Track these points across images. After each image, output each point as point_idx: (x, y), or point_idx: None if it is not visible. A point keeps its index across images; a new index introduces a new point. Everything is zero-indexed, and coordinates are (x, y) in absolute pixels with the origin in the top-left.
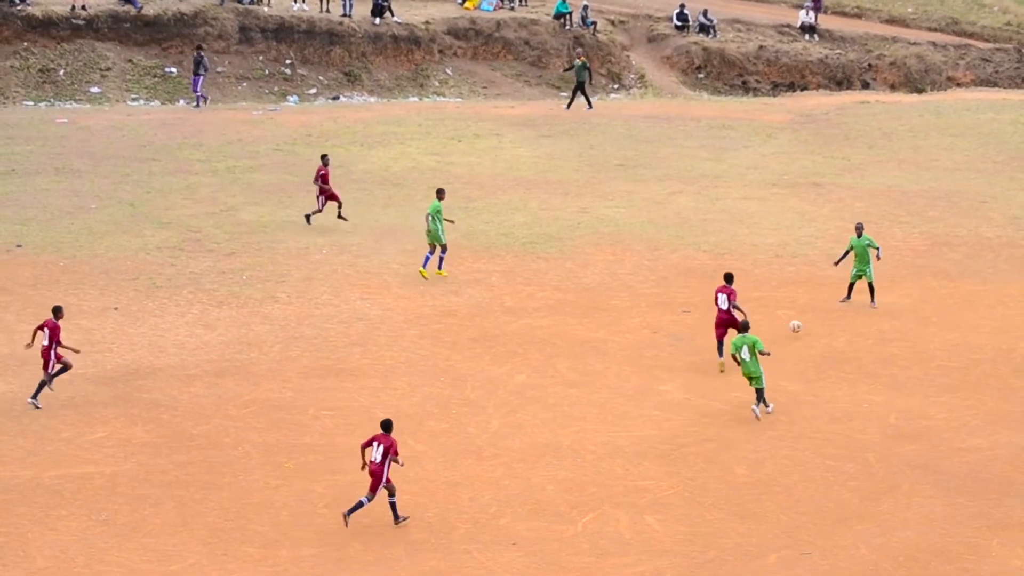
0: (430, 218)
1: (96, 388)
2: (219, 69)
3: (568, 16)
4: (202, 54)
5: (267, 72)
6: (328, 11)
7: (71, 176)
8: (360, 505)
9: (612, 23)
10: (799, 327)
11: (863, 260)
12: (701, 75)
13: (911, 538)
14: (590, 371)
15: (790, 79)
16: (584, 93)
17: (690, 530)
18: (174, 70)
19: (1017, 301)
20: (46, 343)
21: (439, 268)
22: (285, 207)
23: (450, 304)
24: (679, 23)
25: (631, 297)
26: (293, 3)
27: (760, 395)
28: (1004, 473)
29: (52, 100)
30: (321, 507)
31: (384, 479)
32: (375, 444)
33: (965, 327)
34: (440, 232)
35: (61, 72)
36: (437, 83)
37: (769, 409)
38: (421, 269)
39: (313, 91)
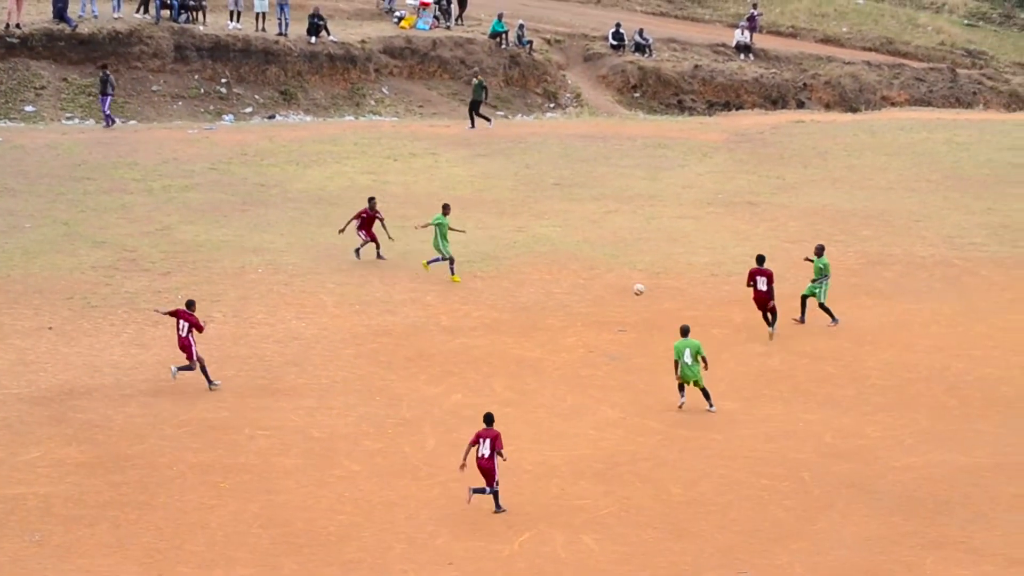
0: (436, 230)
1: (30, 408)
2: (154, 88)
3: (504, 35)
4: (108, 73)
5: (202, 91)
6: (264, 30)
7: (5, 195)
8: (485, 492)
9: (548, 42)
10: (642, 290)
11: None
12: (637, 94)
13: (846, 557)
14: (526, 390)
15: (725, 98)
16: (479, 113)
17: (626, 549)
18: None
19: (951, 320)
20: (184, 333)
21: (451, 273)
22: (221, 226)
23: (386, 323)
24: (615, 42)
25: (567, 316)
26: (228, 22)
27: (706, 395)
28: (939, 492)
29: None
30: (256, 527)
31: (494, 472)
32: (481, 440)
33: (899, 346)
34: (441, 245)
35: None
36: (373, 102)
37: (711, 408)
38: (453, 276)
39: (249, 110)
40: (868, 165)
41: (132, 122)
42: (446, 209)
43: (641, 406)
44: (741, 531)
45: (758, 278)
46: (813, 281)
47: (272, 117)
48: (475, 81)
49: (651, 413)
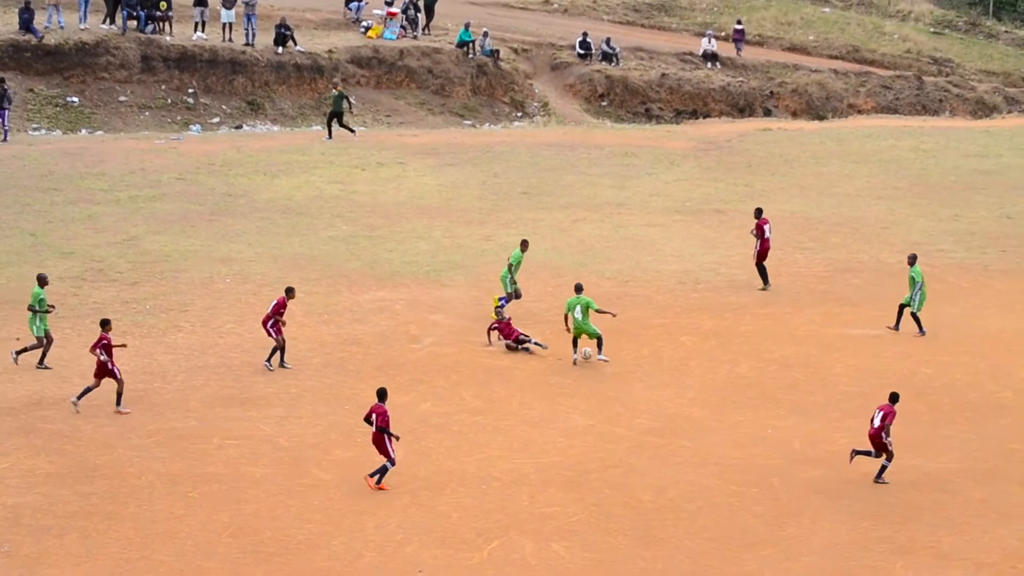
0: (510, 268)
1: None
2: (121, 98)
3: (471, 45)
4: (6, 87)
5: (169, 101)
6: (231, 40)
7: None
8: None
9: (515, 51)
10: (589, 355)
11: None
12: (604, 103)
13: (816, 562)
14: (495, 398)
15: (693, 106)
16: (341, 123)
17: (596, 556)
18: (76, 99)
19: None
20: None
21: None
22: (188, 236)
23: (355, 332)
24: (582, 51)
25: (535, 324)
26: (195, 32)
27: (600, 343)
28: (908, 497)
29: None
30: (226, 536)
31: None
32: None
33: (867, 353)
34: (507, 282)
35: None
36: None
37: (602, 357)
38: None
39: (216, 120)
40: (835, 172)
41: (99, 132)
42: (524, 245)
43: (610, 413)
44: (711, 537)
45: (764, 226)
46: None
47: (239, 127)
48: (334, 92)
49: (620, 420)
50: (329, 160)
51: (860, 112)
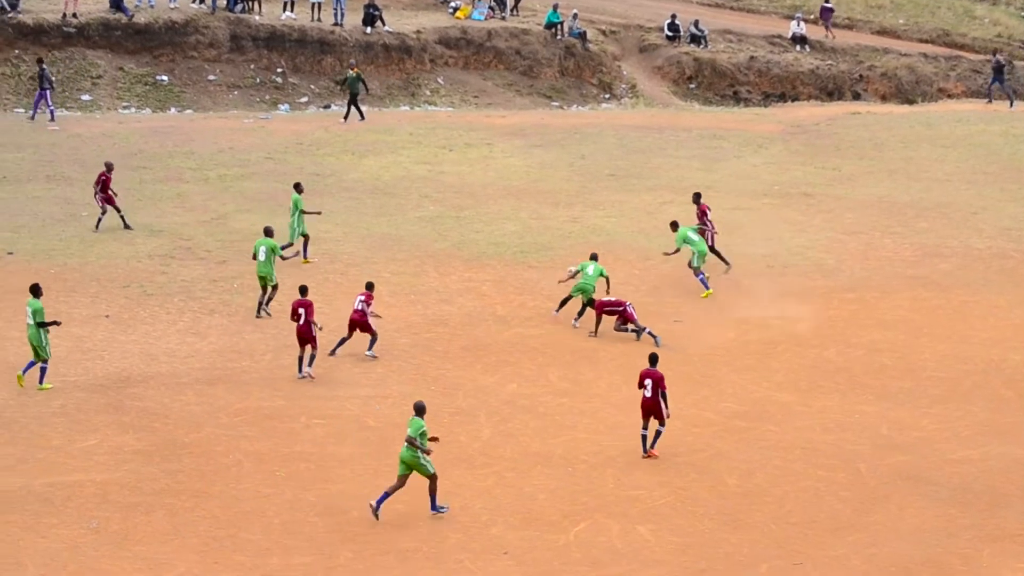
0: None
1: (87, 396)
2: (210, 77)
3: (559, 26)
4: (44, 67)
5: (258, 80)
6: (319, 20)
7: (62, 183)
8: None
9: (603, 33)
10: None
11: None
12: (692, 85)
13: (903, 549)
14: (581, 380)
15: (781, 89)
16: (356, 105)
17: (682, 540)
18: (165, 78)
19: (1007, 312)
20: (301, 322)
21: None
22: (276, 215)
23: (441, 313)
24: (670, 33)
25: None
26: (283, 12)
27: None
28: (996, 484)
29: (44, 107)
30: (312, 515)
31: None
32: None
33: (956, 338)
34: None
35: (52, 79)
36: (428, 92)
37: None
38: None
39: (304, 99)
40: (925, 157)
41: (188, 111)
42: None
43: (697, 397)
44: (797, 522)
45: (707, 212)
46: None
47: (328, 107)
48: (351, 74)
49: (707, 404)
50: (417, 140)
51: (950, 96)
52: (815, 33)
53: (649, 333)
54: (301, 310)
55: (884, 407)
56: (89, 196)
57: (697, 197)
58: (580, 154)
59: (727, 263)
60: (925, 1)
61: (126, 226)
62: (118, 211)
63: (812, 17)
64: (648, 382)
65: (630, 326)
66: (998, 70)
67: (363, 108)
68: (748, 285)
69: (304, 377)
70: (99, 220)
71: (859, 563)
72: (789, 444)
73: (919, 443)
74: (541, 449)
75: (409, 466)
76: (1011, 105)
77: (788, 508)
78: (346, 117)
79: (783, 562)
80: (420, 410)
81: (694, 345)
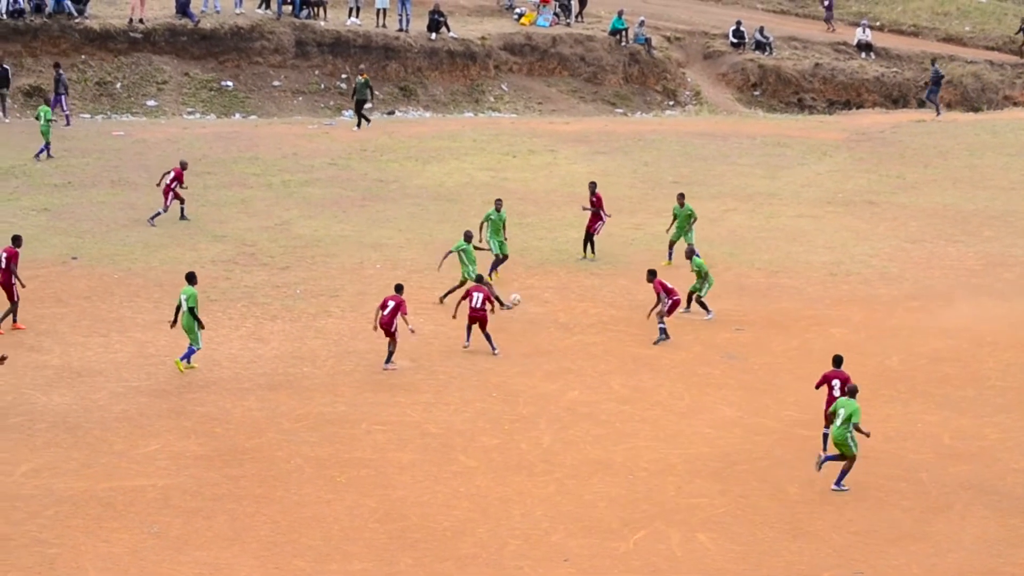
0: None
1: (150, 401)
2: (275, 83)
3: (624, 32)
4: (61, 72)
5: (322, 86)
6: (384, 26)
7: (127, 189)
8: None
9: (668, 40)
10: (517, 300)
11: None
12: (756, 92)
13: (965, 559)
14: (643, 388)
15: (846, 97)
16: (360, 112)
17: (742, 548)
18: (230, 84)
19: None
20: (386, 313)
21: None
22: (339, 221)
23: (502, 319)
24: (735, 40)
25: (684, 315)
26: (348, 18)
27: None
28: None
29: (109, 113)
30: (372, 522)
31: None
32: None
33: (1020, 347)
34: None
35: (118, 85)
36: (492, 98)
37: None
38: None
39: (369, 106)
40: (990, 165)
41: (252, 117)
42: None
43: (758, 405)
44: (858, 531)
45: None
46: None
47: (392, 113)
48: (360, 80)
49: (768, 412)
50: (480, 147)
51: (1016, 104)
52: (881, 40)
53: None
54: (391, 303)
55: (946, 416)
56: (153, 201)
57: (592, 186)
58: (644, 161)
59: (585, 254)
60: (991, 8)
61: (183, 216)
62: (181, 202)
63: (879, 24)
64: (835, 383)
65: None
66: (936, 80)
67: (366, 115)
68: (811, 292)
69: (387, 368)
70: (157, 214)
71: (920, 573)
72: None
73: (982, 452)
74: (602, 456)
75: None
76: (938, 114)
77: (849, 517)
78: (359, 125)
79: (844, 571)
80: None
81: (756, 353)
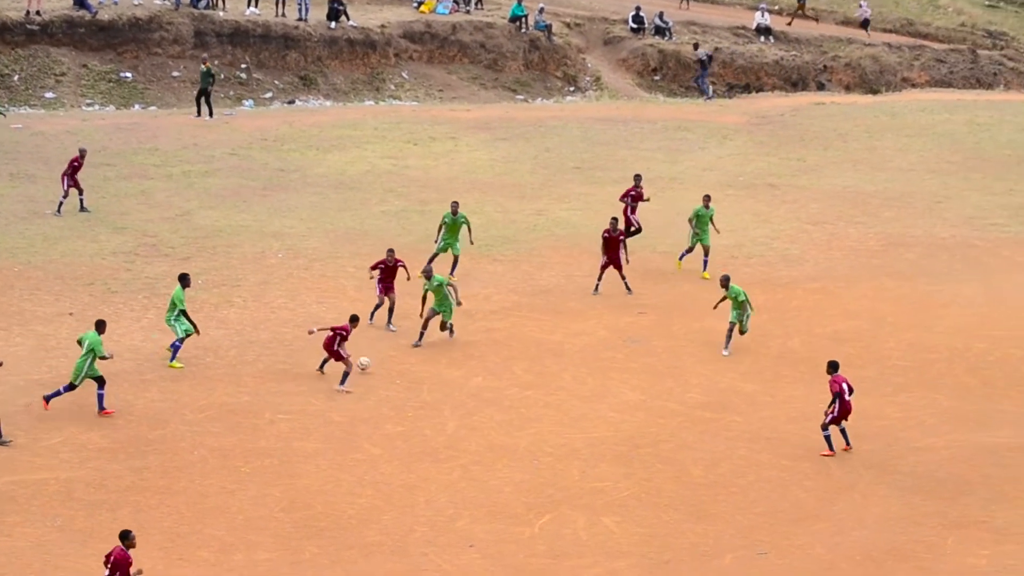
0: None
1: None
2: (174, 74)
3: (524, 19)
4: None
5: (222, 76)
6: (284, 15)
7: (25, 182)
8: None
9: (568, 26)
10: (367, 365)
11: None
12: (657, 77)
13: (868, 537)
14: (546, 373)
15: (745, 81)
16: (204, 102)
17: (647, 531)
18: (129, 75)
19: (971, 301)
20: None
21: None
22: (240, 211)
23: (406, 307)
24: (635, 26)
25: (587, 299)
26: (247, 7)
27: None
28: (960, 472)
29: (6, 105)
30: (277, 511)
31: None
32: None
33: (920, 327)
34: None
35: (15, 77)
36: (393, 87)
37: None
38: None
39: (269, 95)
40: (889, 147)
41: (152, 108)
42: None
43: (661, 388)
44: (762, 512)
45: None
46: None
47: (292, 102)
48: (203, 68)
49: (672, 395)
50: (381, 135)
51: (914, 86)
52: (780, 24)
53: None
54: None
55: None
56: (52, 194)
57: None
58: (545, 147)
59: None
60: None
61: (82, 208)
62: (80, 192)
63: (777, 8)
64: (846, 385)
65: None
66: (703, 63)
67: (211, 106)
68: (713, 275)
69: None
70: (60, 204)
71: (823, 552)
72: (754, 434)
73: (883, 432)
74: (506, 442)
75: None
76: (708, 98)
77: (752, 498)
78: (198, 113)
79: (747, 552)
80: None
81: (659, 336)
